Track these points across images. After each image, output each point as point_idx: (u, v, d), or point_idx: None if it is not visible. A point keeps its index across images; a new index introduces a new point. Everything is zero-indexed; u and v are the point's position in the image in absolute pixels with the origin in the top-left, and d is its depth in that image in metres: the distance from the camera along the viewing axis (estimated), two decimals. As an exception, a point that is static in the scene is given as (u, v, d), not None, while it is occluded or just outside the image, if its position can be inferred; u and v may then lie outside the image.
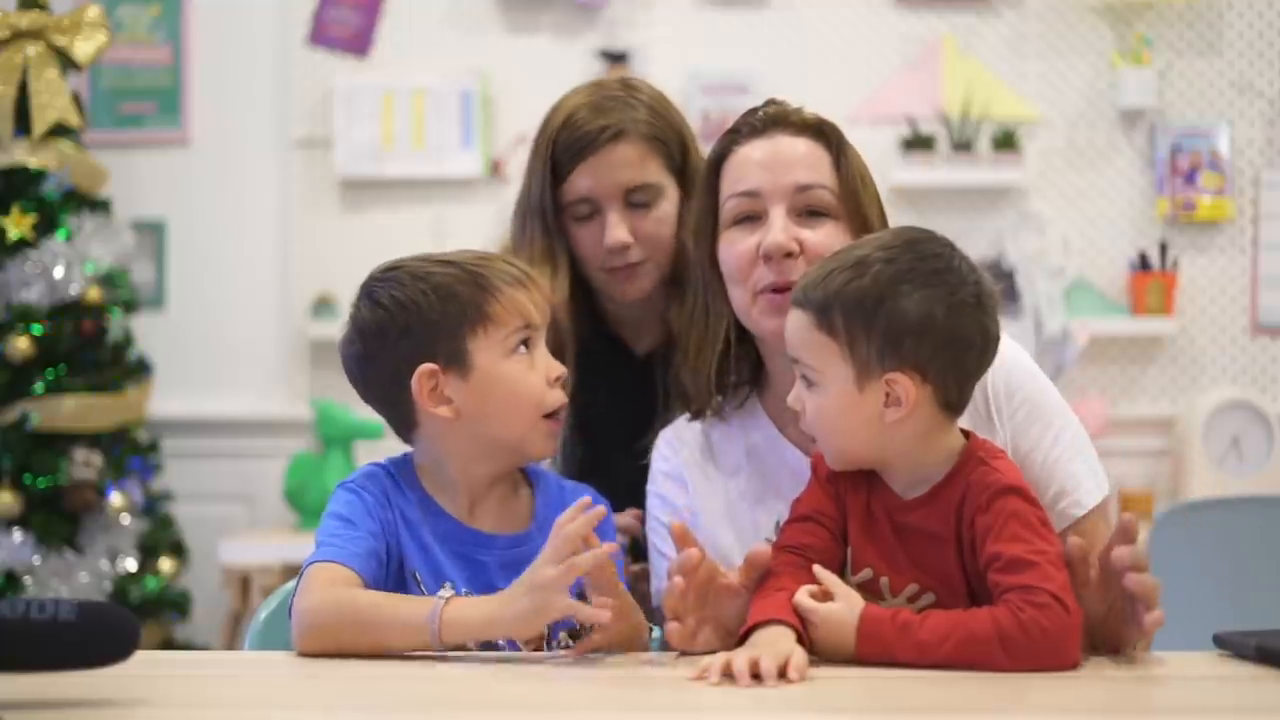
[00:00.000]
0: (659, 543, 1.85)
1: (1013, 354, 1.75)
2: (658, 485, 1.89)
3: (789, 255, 1.70)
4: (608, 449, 2.01)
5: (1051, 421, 1.74)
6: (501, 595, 1.54)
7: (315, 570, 1.59)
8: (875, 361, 1.50)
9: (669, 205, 2.05)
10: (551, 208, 2.04)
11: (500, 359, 1.68)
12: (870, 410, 1.52)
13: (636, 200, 2.02)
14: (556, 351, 1.91)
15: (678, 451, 1.88)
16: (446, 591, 1.58)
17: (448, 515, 1.70)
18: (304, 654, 1.55)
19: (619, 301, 2.11)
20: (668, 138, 2.05)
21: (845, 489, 1.59)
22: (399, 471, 1.72)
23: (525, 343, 1.69)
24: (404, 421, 1.71)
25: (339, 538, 1.62)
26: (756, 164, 1.75)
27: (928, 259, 1.52)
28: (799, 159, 1.75)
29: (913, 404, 1.51)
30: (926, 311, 1.49)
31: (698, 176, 1.98)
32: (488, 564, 1.68)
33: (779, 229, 1.71)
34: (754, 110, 1.81)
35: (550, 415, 1.71)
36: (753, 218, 1.75)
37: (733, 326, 1.82)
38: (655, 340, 2.12)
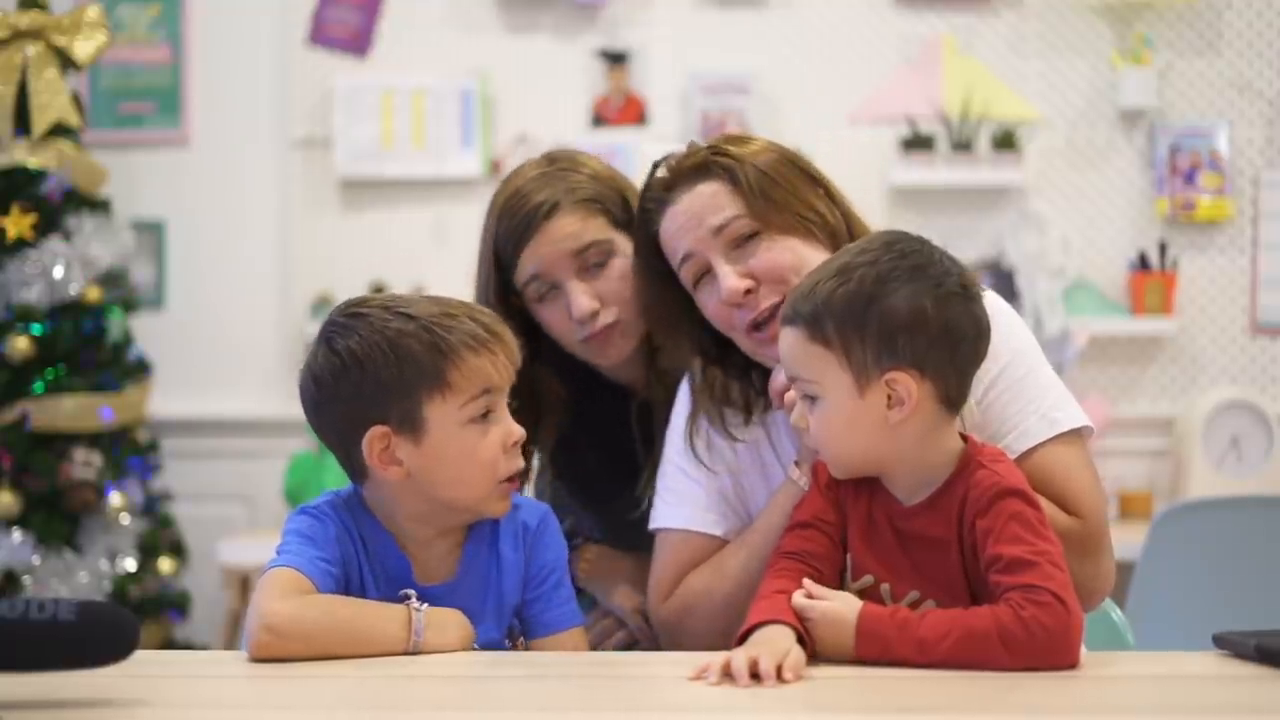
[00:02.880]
0: (686, 464, 1.86)
1: None
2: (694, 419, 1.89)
3: (749, 292, 1.75)
4: (603, 492, 2.01)
5: (992, 364, 1.68)
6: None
7: (277, 574, 1.57)
8: (873, 364, 1.50)
9: (624, 259, 1.99)
10: (498, 299, 1.98)
11: (457, 427, 1.62)
12: (874, 414, 1.52)
13: (590, 261, 1.97)
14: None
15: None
16: (415, 601, 1.60)
17: (403, 559, 1.67)
18: (266, 658, 1.52)
19: (605, 366, 2.07)
20: (604, 196, 2.00)
21: (846, 496, 1.59)
22: (354, 505, 1.69)
23: (485, 413, 1.64)
24: (355, 470, 1.67)
25: (302, 553, 1.60)
26: (676, 232, 1.80)
27: (908, 255, 1.53)
28: (702, 206, 1.78)
29: (915, 401, 1.51)
30: (916, 306, 1.50)
31: None
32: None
33: (725, 275, 1.76)
34: (647, 183, 1.84)
35: (506, 479, 1.67)
36: (706, 273, 1.79)
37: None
38: (642, 379, 2.08)
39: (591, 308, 1.96)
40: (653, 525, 1.88)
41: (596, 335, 1.99)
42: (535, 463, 2.11)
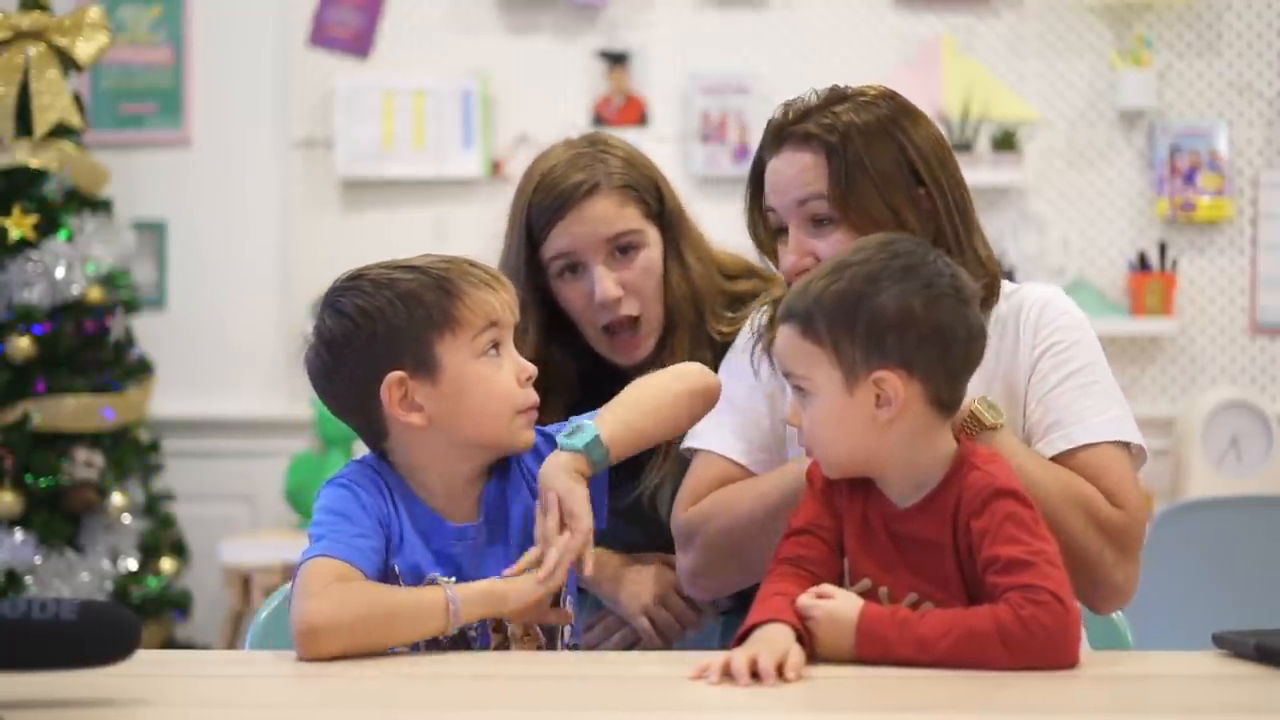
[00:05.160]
0: (733, 392, 1.87)
1: (1054, 294, 1.83)
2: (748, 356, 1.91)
3: (805, 271, 1.75)
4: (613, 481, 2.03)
5: (1069, 359, 1.77)
6: (499, 582, 1.62)
7: (315, 566, 1.56)
8: (861, 362, 1.51)
9: (653, 251, 2.02)
10: (526, 271, 2.00)
11: (469, 361, 1.65)
12: (862, 413, 1.52)
13: (619, 249, 2.00)
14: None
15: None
16: (441, 579, 1.61)
17: (430, 512, 1.67)
18: (312, 658, 1.51)
19: (618, 363, 2.07)
20: (642, 185, 2.02)
21: (842, 500, 1.60)
22: (381, 466, 1.69)
23: (495, 345, 1.67)
24: (375, 431, 1.68)
25: (338, 532, 1.59)
26: (771, 182, 1.82)
27: (901, 256, 1.54)
28: (796, 175, 1.79)
29: (902, 401, 1.51)
30: (905, 305, 1.50)
31: (678, 221, 2.05)
32: (459, 556, 1.67)
33: (791, 249, 1.79)
34: (773, 117, 1.85)
35: (524, 410, 1.69)
36: (782, 230, 1.82)
37: None
38: (653, 365, 2.06)
39: (615, 294, 1.99)
40: (688, 444, 1.90)
41: (621, 334, 2.02)
42: None
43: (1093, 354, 1.79)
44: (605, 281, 1.99)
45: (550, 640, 1.70)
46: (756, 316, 1.94)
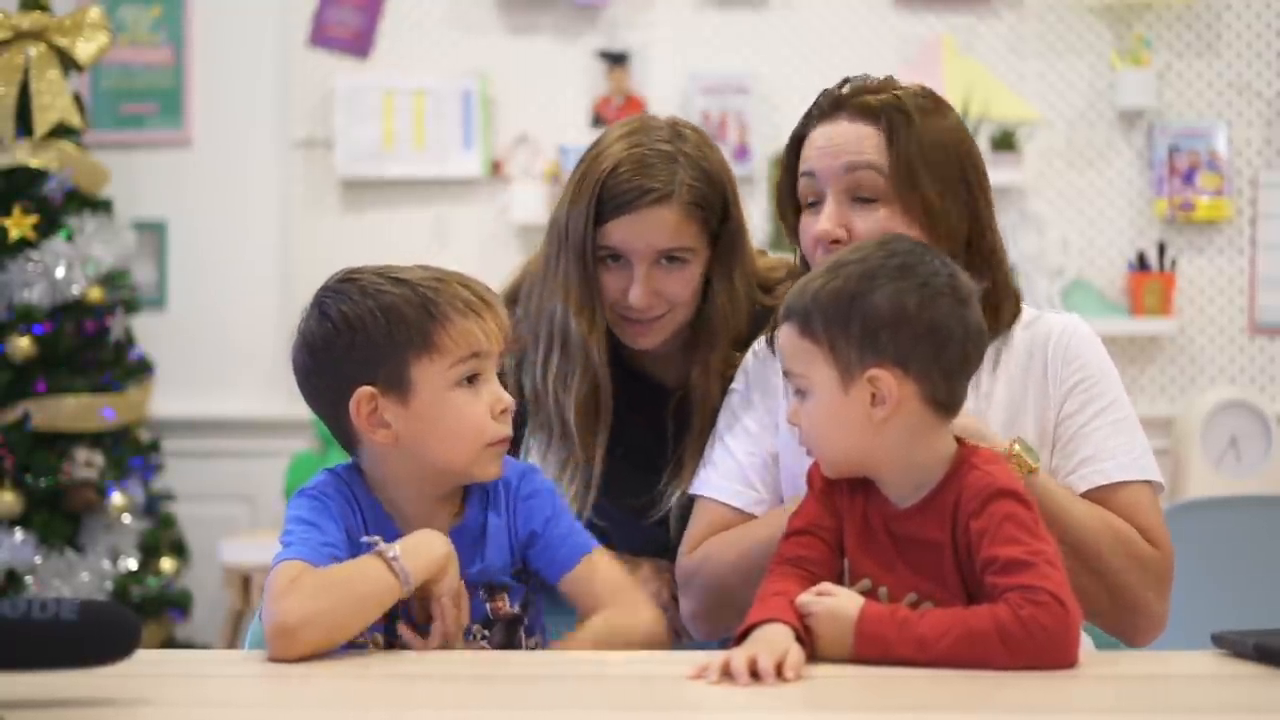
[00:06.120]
0: (728, 436, 1.90)
1: (1077, 323, 1.86)
2: (749, 390, 1.92)
3: (836, 242, 1.76)
4: (630, 486, 2.03)
5: (1099, 395, 1.80)
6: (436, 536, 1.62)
7: (282, 570, 1.55)
8: (856, 360, 1.51)
9: (698, 266, 2.01)
10: (592, 249, 1.99)
11: (444, 389, 1.63)
12: (858, 411, 1.52)
13: (669, 256, 1.99)
14: (590, 391, 1.98)
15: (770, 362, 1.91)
16: (381, 545, 1.58)
17: (397, 531, 1.65)
18: (285, 657, 1.51)
19: (636, 351, 2.08)
20: (710, 203, 2.00)
21: (842, 500, 1.60)
22: (352, 479, 1.69)
23: (472, 377, 1.64)
24: (347, 437, 1.68)
25: (307, 540, 1.59)
26: (817, 147, 1.81)
27: (897, 255, 1.54)
28: (850, 142, 1.78)
29: (897, 400, 1.51)
30: (899, 304, 1.51)
31: (736, 238, 2.03)
32: None
33: (826, 216, 1.78)
34: (829, 90, 1.85)
35: (494, 443, 1.67)
36: (816, 201, 1.81)
37: None
38: (681, 378, 2.07)
39: (647, 303, 1.99)
40: (691, 490, 1.94)
41: (635, 323, 2.02)
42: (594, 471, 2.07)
43: (1118, 386, 1.83)
44: (641, 288, 1.98)
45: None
46: (750, 355, 1.96)
